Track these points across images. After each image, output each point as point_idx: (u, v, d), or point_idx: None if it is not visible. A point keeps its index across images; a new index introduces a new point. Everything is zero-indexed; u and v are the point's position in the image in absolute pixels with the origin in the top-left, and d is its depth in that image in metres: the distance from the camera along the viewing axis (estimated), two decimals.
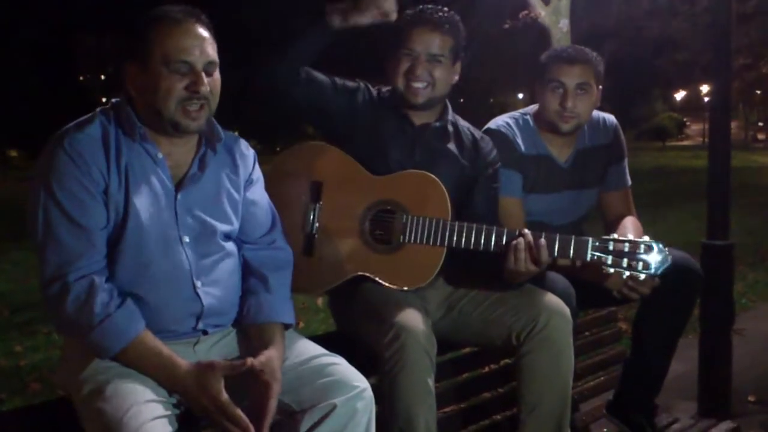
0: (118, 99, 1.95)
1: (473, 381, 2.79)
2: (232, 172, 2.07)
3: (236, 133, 2.18)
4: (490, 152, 2.66)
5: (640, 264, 2.28)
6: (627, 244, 2.29)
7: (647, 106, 59.66)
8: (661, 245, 2.30)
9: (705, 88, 36.63)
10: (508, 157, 2.77)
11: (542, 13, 7.34)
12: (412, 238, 2.39)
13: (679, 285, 2.74)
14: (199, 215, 1.96)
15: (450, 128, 2.62)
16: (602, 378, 3.21)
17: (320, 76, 2.48)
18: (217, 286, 1.98)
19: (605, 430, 3.14)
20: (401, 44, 2.48)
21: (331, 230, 2.47)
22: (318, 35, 2.41)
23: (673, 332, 2.90)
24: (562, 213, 2.92)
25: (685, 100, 56.93)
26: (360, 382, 1.95)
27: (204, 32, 1.91)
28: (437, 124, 2.59)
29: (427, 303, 2.50)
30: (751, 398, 4.12)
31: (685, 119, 63.14)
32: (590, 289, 2.66)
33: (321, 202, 2.47)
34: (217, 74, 1.94)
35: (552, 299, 2.43)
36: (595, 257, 2.30)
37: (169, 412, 1.78)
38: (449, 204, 2.40)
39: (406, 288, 2.40)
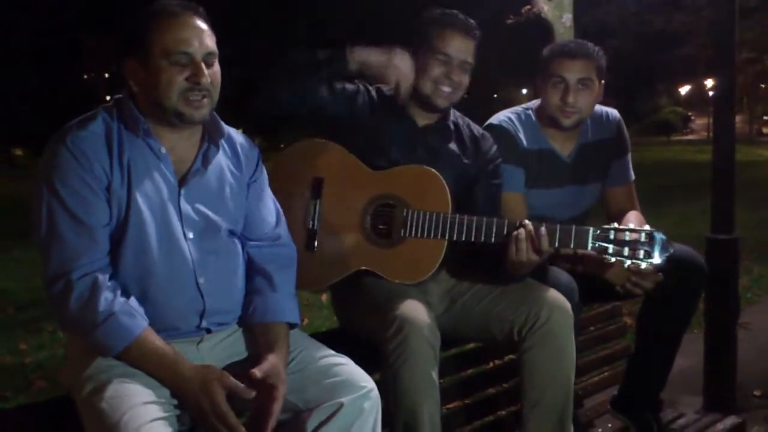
0: (120, 96, 1.95)
1: (478, 377, 2.80)
2: (236, 168, 2.07)
3: (240, 131, 2.18)
4: (490, 149, 2.66)
5: (642, 252, 2.28)
6: (628, 233, 2.29)
7: (651, 100, 59.50)
8: (662, 233, 2.30)
9: (709, 83, 36.53)
10: (510, 153, 2.77)
11: (545, 8, 7.31)
12: (413, 231, 2.39)
13: (684, 279, 2.74)
14: (202, 211, 1.96)
15: (451, 127, 2.62)
16: (607, 373, 3.20)
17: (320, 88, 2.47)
18: (220, 284, 1.98)
19: (610, 425, 3.13)
20: (434, 48, 2.46)
21: (332, 225, 2.47)
22: (332, 75, 2.42)
23: (678, 327, 2.89)
24: (564, 208, 2.92)
25: (689, 94, 56.74)
26: (366, 382, 1.95)
27: (202, 24, 1.91)
28: (439, 124, 2.58)
29: (430, 296, 2.50)
30: (756, 392, 4.12)
31: (689, 113, 62.99)
32: (594, 284, 2.66)
33: (322, 198, 2.47)
34: (217, 66, 1.93)
35: (553, 294, 2.43)
36: (597, 246, 2.30)
37: (168, 414, 1.77)
38: (449, 197, 2.40)
39: (408, 282, 2.40)
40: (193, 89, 1.87)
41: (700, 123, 61.74)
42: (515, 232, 2.32)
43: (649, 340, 2.93)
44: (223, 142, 2.04)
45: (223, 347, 2.01)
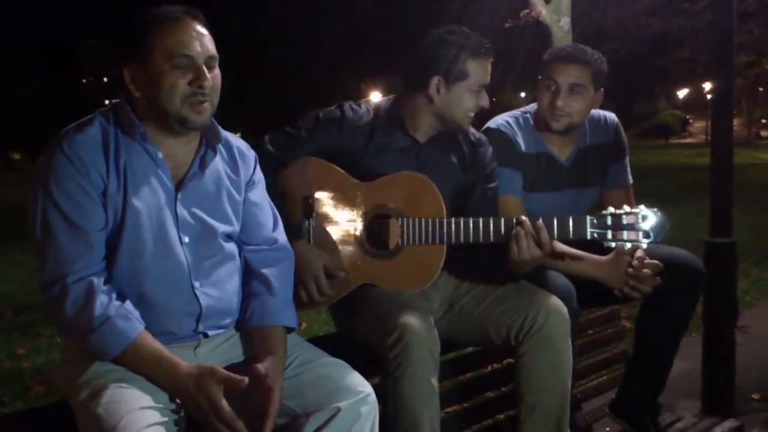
0: (117, 100, 1.95)
1: (476, 380, 2.79)
2: (233, 173, 2.06)
3: (238, 135, 2.17)
4: (486, 154, 2.65)
5: (641, 234, 2.29)
6: (624, 217, 2.30)
7: (650, 103, 59.60)
8: (656, 210, 2.31)
9: (707, 86, 36.56)
10: (508, 156, 2.77)
11: (543, 11, 7.32)
12: (410, 240, 2.39)
13: (682, 283, 2.74)
14: (199, 215, 1.96)
15: (450, 138, 2.60)
16: (605, 377, 3.20)
17: (298, 144, 2.48)
18: (216, 288, 1.97)
19: (608, 429, 3.13)
20: (469, 81, 2.46)
21: (328, 243, 2.45)
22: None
23: (677, 330, 2.89)
24: (563, 212, 2.90)
25: (687, 97, 56.74)
26: (364, 387, 1.95)
27: (202, 29, 1.91)
28: (440, 136, 2.57)
29: (431, 302, 2.50)
30: (755, 396, 4.11)
31: (687, 117, 63.03)
32: (592, 288, 2.66)
33: (314, 217, 2.45)
34: (217, 70, 1.94)
35: (550, 299, 2.43)
36: (595, 235, 2.31)
37: (165, 419, 1.77)
38: (443, 201, 2.39)
39: (411, 291, 2.39)
40: (195, 93, 1.87)
41: (698, 126, 61.78)
42: (514, 231, 2.32)
43: (648, 343, 2.93)
44: (220, 146, 2.04)
45: (220, 352, 2.00)
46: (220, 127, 2.02)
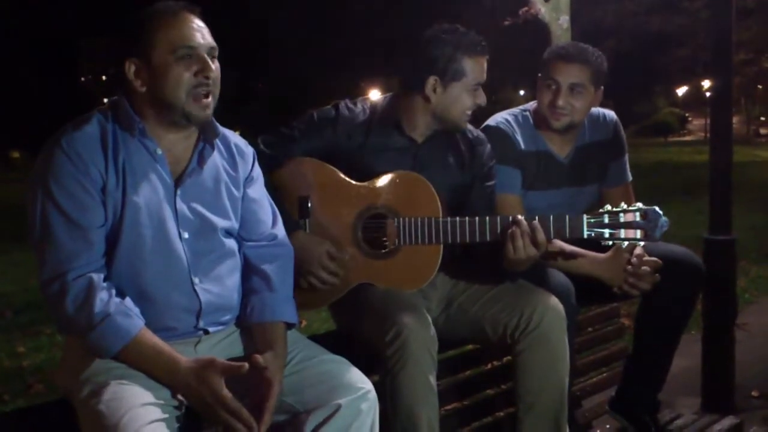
0: (115, 97, 1.95)
1: (475, 378, 2.79)
2: (231, 169, 2.07)
3: (237, 133, 2.17)
4: (484, 152, 2.65)
5: (638, 232, 2.28)
6: (622, 215, 2.29)
7: (649, 101, 59.47)
8: (656, 209, 2.30)
9: (706, 84, 36.56)
10: (507, 154, 2.77)
11: (542, 9, 7.30)
12: (407, 239, 2.39)
13: (682, 280, 2.74)
14: (199, 210, 1.96)
15: (447, 138, 2.59)
16: (605, 374, 3.21)
17: (292, 144, 2.48)
18: (216, 284, 1.98)
19: (608, 426, 3.13)
20: (466, 80, 2.44)
21: None
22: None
23: (676, 328, 2.89)
24: (562, 209, 2.90)
25: (686, 95, 56.69)
26: (364, 383, 1.95)
27: (201, 22, 1.93)
28: (438, 136, 2.56)
29: (429, 301, 2.50)
30: (754, 393, 4.11)
31: (686, 114, 62.96)
32: (591, 285, 2.67)
33: (310, 217, 2.45)
34: (217, 62, 1.95)
35: (546, 297, 2.42)
36: (593, 234, 2.30)
37: (167, 415, 1.77)
38: (438, 200, 2.39)
39: (409, 290, 2.40)
40: (200, 84, 1.88)
41: (697, 124, 61.75)
42: (510, 230, 2.31)
43: (647, 341, 2.93)
44: (218, 142, 2.04)
45: (221, 348, 2.00)
46: (217, 123, 2.03)
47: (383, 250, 2.42)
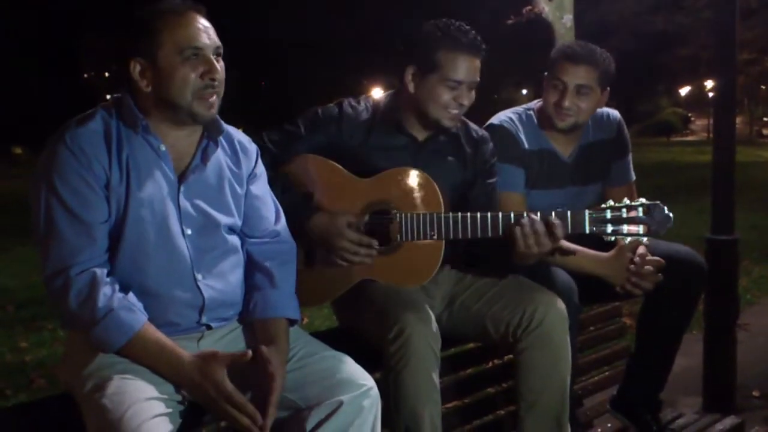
0: (119, 94, 1.95)
1: (476, 376, 2.79)
2: (235, 166, 2.07)
3: (241, 130, 2.18)
4: (487, 150, 2.64)
5: (641, 227, 2.27)
6: (624, 210, 2.28)
7: (652, 101, 59.46)
8: (659, 204, 2.28)
9: (710, 83, 36.50)
10: (510, 153, 2.77)
11: (546, 8, 7.31)
12: (409, 235, 2.38)
13: (684, 280, 2.74)
14: (202, 207, 1.96)
15: (450, 137, 2.58)
16: (607, 373, 3.20)
17: (296, 141, 2.48)
18: (218, 280, 1.98)
19: (609, 425, 3.13)
20: (443, 74, 2.39)
21: None
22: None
23: (678, 327, 2.89)
24: (565, 208, 2.91)
25: (689, 95, 56.59)
26: (366, 380, 1.95)
27: (206, 21, 1.93)
28: (440, 137, 2.56)
29: (432, 298, 2.50)
30: (755, 393, 4.12)
31: (689, 114, 62.91)
32: (593, 284, 2.67)
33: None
34: (222, 61, 1.95)
35: (549, 295, 2.42)
36: (594, 229, 2.29)
37: (171, 410, 1.78)
38: (440, 196, 2.39)
39: (411, 286, 2.39)
40: (207, 86, 1.89)
41: (700, 124, 61.67)
42: (517, 229, 2.29)
43: (649, 340, 2.94)
44: (221, 139, 2.04)
45: (223, 344, 2.00)
46: (221, 120, 2.03)
47: (385, 246, 2.42)
